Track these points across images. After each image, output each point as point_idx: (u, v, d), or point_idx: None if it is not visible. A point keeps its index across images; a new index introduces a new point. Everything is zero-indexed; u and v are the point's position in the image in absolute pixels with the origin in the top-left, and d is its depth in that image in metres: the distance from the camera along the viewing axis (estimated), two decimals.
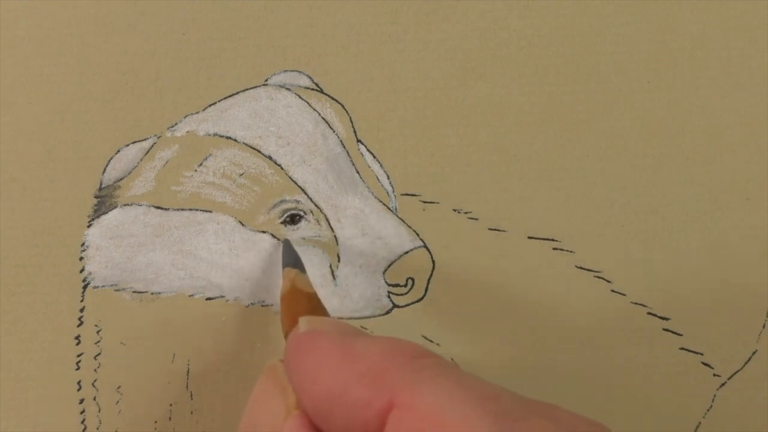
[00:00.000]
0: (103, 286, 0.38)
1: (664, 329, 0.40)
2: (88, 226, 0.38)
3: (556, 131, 0.40)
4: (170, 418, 0.38)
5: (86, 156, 0.39)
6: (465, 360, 0.39)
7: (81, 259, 0.38)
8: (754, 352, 0.40)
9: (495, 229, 0.40)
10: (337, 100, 0.40)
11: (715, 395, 0.40)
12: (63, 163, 0.39)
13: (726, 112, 0.40)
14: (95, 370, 0.38)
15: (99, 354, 0.38)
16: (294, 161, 0.39)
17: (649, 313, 0.40)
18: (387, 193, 0.39)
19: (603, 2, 0.40)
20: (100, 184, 0.39)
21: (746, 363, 0.40)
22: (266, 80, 0.39)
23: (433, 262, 0.39)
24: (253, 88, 0.39)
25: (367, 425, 0.24)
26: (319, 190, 0.39)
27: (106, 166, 0.39)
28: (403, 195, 0.40)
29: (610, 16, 0.40)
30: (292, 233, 0.39)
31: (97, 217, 0.38)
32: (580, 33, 0.40)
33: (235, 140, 0.39)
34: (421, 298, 0.39)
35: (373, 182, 0.39)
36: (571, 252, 0.40)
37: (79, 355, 0.38)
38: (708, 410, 0.40)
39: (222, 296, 0.39)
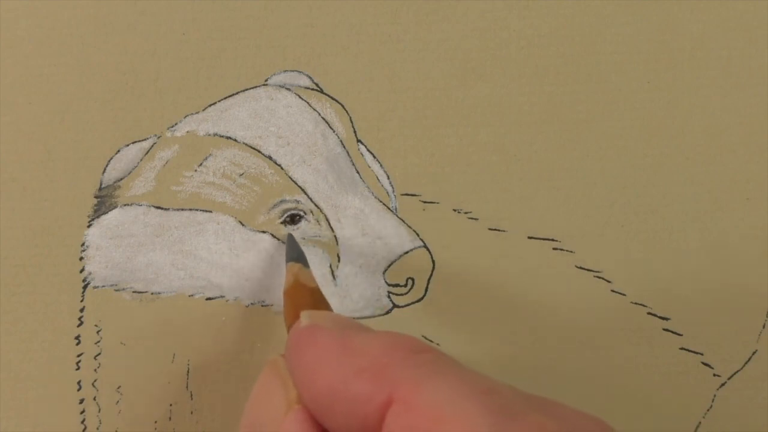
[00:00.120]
0: (103, 286, 0.38)
1: (664, 329, 0.40)
2: (88, 226, 0.38)
3: (556, 131, 0.40)
4: (170, 418, 0.38)
5: (86, 156, 0.39)
6: (465, 360, 0.39)
7: (81, 259, 0.38)
8: (754, 352, 0.40)
9: (495, 229, 0.40)
10: (337, 100, 0.40)
11: (715, 395, 0.40)
12: (63, 163, 0.39)
13: (726, 112, 0.40)
14: (95, 370, 0.38)
15: (99, 354, 0.38)
16: (294, 161, 0.39)
17: (649, 313, 0.40)
18: (387, 193, 0.39)
19: (603, 2, 0.40)
20: (100, 184, 0.39)
21: (746, 363, 0.40)
22: (266, 80, 0.39)
23: (433, 262, 0.39)
24: (253, 88, 0.39)
25: (366, 420, 0.24)
26: (319, 190, 0.39)
27: (106, 166, 0.39)
28: (403, 195, 0.40)
29: (610, 16, 0.40)
30: (293, 233, 0.39)
31: (97, 217, 0.38)
32: (580, 33, 0.40)
33: (235, 140, 0.39)
34: (421, 298, 0.39)
35: (373, 182, 0.39)
36: (571, 252, 0.40)
37: (79, 355, 0.38)
38: (708, 410, 0.40)
39: (222, 296, 0.39)
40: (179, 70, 0.39)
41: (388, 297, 0.39)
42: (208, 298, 0.39)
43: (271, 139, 0.39)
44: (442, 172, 0.40)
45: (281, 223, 0.39)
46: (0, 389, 0.38)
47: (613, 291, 0.40)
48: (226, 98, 0.39)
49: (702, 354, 0.40)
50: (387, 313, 0.39)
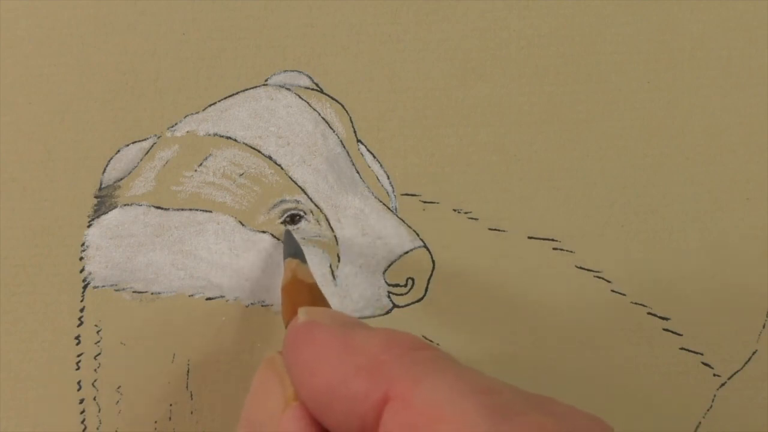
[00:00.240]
0: (103, 286, 0.38)
1: (664, 329, 0.40)
2: (88, 226, 0.38)
3: (556, 131, 0.40)
4: (170, 418, 0.38)
5: (86, 156, 0.39)
6: (465, 360, 0.38)
7: (81, 259, 0.38)
8: (754, 352, 0.40)
9: (495, 229, 0.40)
10: (337, 100, 0.40)
11: (715, 395, 0.40)
12: (63, 163, 0.39)
13: (726, 112, 0.40)
14: (95, 370, 0.38)
15: (99, 354, 0.38)
16: (294, 161, 0.39)
17: (649, 313, 0.40)
18: (387, 193, 0.39)
19: (603, 2, 0.40)
20: (100, 184, 0.39)
21: (746, 363, 0.40)
22: (266, 80, 0.39)
23: (433, 262, 0.39)
24: (253, 88, 0.39)
25: (364, 417, 0.24)
26: (319, 190, 0.39)
27: (106, 166, 0.39)
28: (403, 195, 0.40)
29: (610, 16, 0.40)
30: (293, 233, 0.39)
31: (97, 217, 0.38)
32: (580, 33, 0.40)
33: (235, 140, 0.39)
34: (421, 298, 0.39)
35: (373, 182, 0.39)
36: (571, 252, 0.40)
37: (79, 355, 0.38)
38: (708, 410, 0.40)
39: (222, 296, 0.39)
40: (179, 70, 0.39)
41: (388, 297, 0.39)
42: (208, 298, 0.39)
43: (271, 139, 0.39)
44: (442, 172, 0.40)
45: (281, 223, 0.39)
46: (0, 389, 0.38)
47: (613, 291, 0.40)
48: (226, 98, 0.39)
49: (702, 354, 0.40)
50: (387, 313, 0.39)
